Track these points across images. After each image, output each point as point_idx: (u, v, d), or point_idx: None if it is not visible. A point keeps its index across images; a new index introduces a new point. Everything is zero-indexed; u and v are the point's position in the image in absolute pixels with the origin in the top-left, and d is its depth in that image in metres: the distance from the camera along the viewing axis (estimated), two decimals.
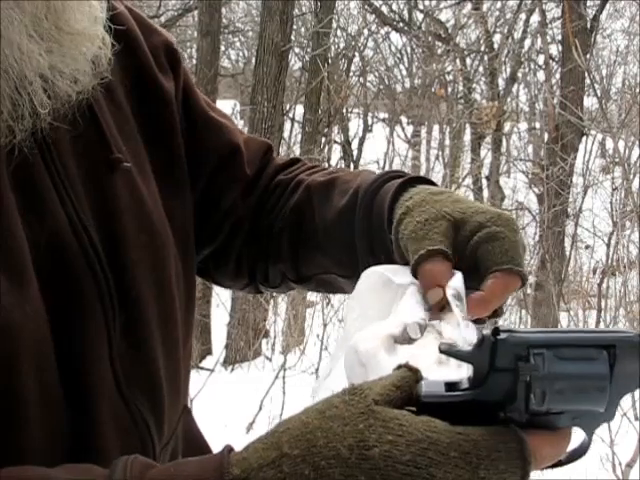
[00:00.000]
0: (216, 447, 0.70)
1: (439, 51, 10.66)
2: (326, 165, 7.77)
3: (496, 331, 0.56)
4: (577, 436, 0.60)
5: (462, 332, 0.69)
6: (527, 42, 11.05)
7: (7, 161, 0.76)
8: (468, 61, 11.15)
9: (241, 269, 1.08)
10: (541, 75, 10.80)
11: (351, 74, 10.58)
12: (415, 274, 0.79)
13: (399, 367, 0.60)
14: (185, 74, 1.02)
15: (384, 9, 10.32)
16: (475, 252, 0.80)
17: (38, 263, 0.76)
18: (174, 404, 0.91)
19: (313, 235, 1.00)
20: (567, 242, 9.12)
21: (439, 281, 0.76)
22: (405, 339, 0.69)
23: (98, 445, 0.80)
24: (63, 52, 0.78)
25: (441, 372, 0.62)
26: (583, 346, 0.55)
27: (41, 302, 0.76)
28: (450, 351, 0.57)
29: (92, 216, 0.82)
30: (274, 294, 6.05)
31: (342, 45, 10.48)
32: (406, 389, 0.59)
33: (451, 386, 0.57)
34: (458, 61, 10.81)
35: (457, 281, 0.74)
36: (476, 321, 0.74)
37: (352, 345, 0.69)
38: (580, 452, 0.61)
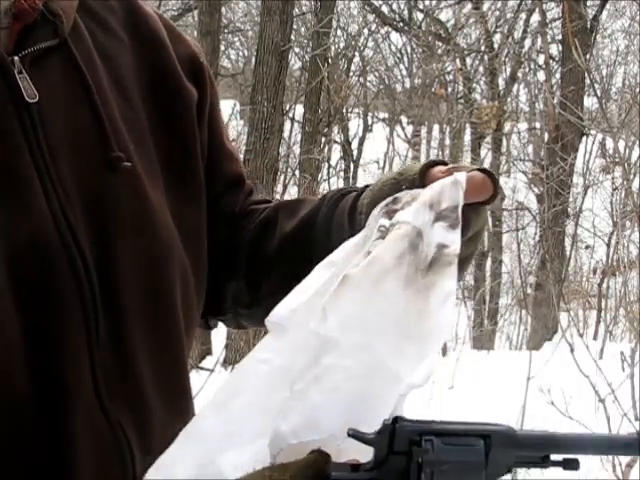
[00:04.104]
0: None
1: (439, 51, 10.66)
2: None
3: (395, 420, 0.66)
4: None
5: (437, 231, 0.74)
6: (527, 42, 11.07)
7: None
8: (468, 61, 11.16)
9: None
10: (541, 75, 10.81)
11: (351, 74, 10.58)
12: (422, 179, 0.81)
13: (312, 452, 0.66)
14: (213, 94, 0.99)
15: (384, 9, 10.33)
16: None
17: (15, 259, 0.74)
18: (170, 422, 0.84)
19: (271, 249, 0.97)
20: (567, 242, 9.13)
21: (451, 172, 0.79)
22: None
23: (71, 460, 0.77)
24: None
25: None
26: (465, 435, 0.66)
27: (11, 301, 0.73)
28: (355, 435, 0.65)
29: (84, 216, 0.79)
30: None
31: (342, 45, 10.49)
32: (317, 470, 0.65)
33: (355, 467, 0.67)
34: (458, 61, 10.81)
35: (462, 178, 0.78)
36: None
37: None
38: None
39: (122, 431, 0.81)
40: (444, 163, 0.83)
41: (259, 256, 0.98)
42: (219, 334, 7.29)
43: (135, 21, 0.92)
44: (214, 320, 1.06)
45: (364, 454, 0.67)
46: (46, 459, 0.76)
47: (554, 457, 0.69)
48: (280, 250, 0.96)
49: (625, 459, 3.43)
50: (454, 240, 0.75)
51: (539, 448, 0.68)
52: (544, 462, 0.69)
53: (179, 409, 0.88)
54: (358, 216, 0.87)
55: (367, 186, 0.90)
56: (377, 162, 11.74)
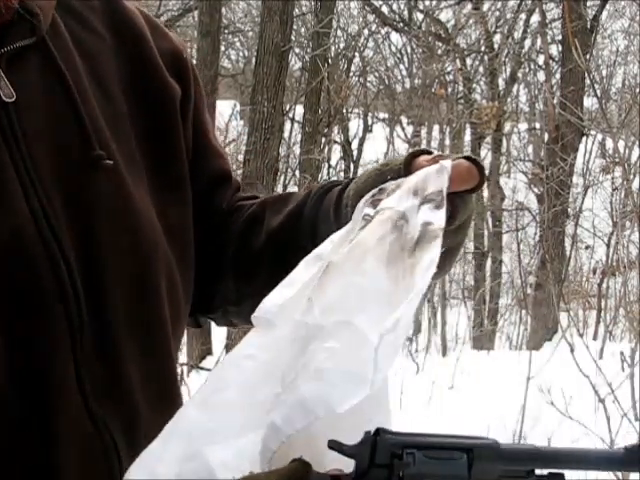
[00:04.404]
0: None
1: (439, 51, 10.66)
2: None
3: (377, 432, 0.66)
4: None
5: (423, 213, 0.74)
6: (527, 42, 11.06)
7: None
8: (468, 61, 11.16)
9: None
10: (541, 75, 10.81)
11: (351, 74, 10.58)
12: (408, 168, 0.81)
13: (294, 460, 0.65)
14: (198, 90, 0.98)
15: (384, 9, 10.33)
16: None
17: None
18: (157, 422, 0.81)
19: (258, 245, 0.97)
20: (567, 242, 9.13)
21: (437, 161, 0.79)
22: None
23: (57, 461, 0.76)
24: None
25: None
26: (447, 449, 0.66)
27: None
28: (336, 447, 0.65)
29: (66, 216, 0.78)
30: None
31: (342, 45, 10.48)
32: (298, 479, 0.64)
33: (336, 478, 0.66)
34: (458, 61, 10.81)
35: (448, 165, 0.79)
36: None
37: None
38: None
39: (108, 432, 0.80)
40: (429, 152, 0.82)
41: (246, 253, 0.98)
42: (219, 334, 7.29)
43: (117, 19, 0.91)
44: (203, 318, 1.06)
45: (348, 463, 0.66)
46: (31, 460, 0.76)
47: (539, 471, 0.69)
48: (267, 246, 0.96)
49: None
50: (439, 218, 0.74)
51: (523, 462, 0.67)
52: (529, 476, 0.68)
53: (167, 409, 0.85)
54: (344, 209, 0.87)
55: (352, 179, 0.90)
56: (377, 162, 11.72)
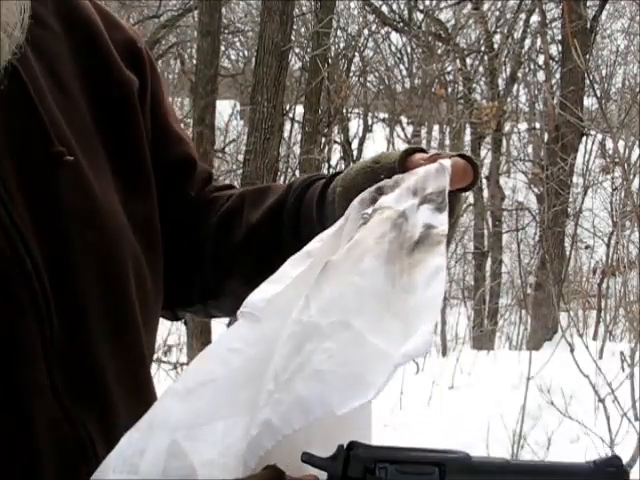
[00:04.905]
0: None
1: (439, 51, 10.66)
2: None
3: (350, 445, 0.66)
4: None
5: (423, 213, 0.75)
6: (527, 42, 11.06)
7: None
8: (468, 61, 11.15)
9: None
10: (541, 75, 10.81)
11: (351, 74, 10.57)
12: (402, 167, 0.81)
13: (266, 468, 0.66)
14: (155, 77, 0.97)
15: (384, 9, 10.32)
16: None
17: None
18: (133, 418, 0.79)
19: (237, 240, 0.96)
20: (567, 242, 9.12)
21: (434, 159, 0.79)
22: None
23: (34, 460, 0.76)
24: None
25: None
26: (420, 463, 0.67)
27: None
28: (309, 460, 0.66)
29: (29, 216, 0.77)
30: None
31: (342, 45, 10.47)
32: None
33: None
34: (458, 61, 10.81)
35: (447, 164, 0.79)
36: None
37: None
38: None
39: (85, 429, 0.80)
40: (422, 150, 0.82)
41: (225, 248, 0.97)
42: (220, 334, 7.27)
43: (67, 10, 0.90)
44: (182, 312, 1.06)
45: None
46: (8, 461, 0.75)
47: None
48: (247, 241, 0.96)
49: (625, 458, 3.43)
50: (442, 222, 0.75)
51: (494, 475, 0.68)
52: None
53: (142, 403, 0.85)
54: (329, 206, 0.86)
55: (335, 174, 0.89)
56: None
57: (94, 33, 0.90)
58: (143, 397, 0.87)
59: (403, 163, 0.81)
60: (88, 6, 0.92)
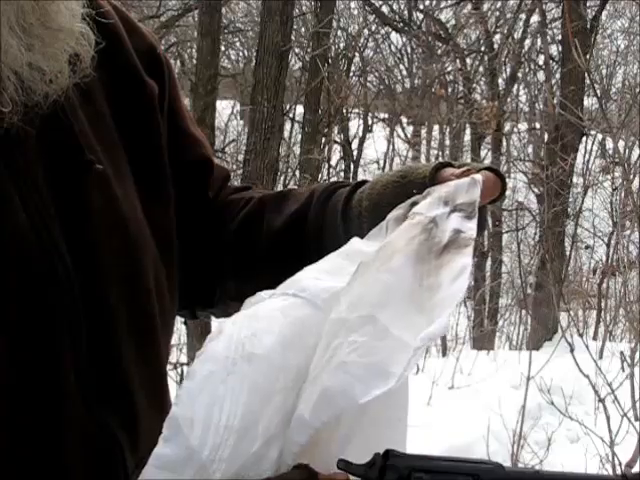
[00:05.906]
0: None
1: (439, 51, 10.66)
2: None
3: (387, 454, 0.67)
4: None
5: (453, 220, 0.77)
6: (527, 42, 11.06)
7: None
8: (468, 61, 11.16)
9: (182, 290, 0.99)
10: (541, 75, 10.81)
11: (351, 74, 10.58)
12: (432, 182, 0.82)
13: (298, 466, 0.67)
14: (173, 82, 0.98)
15: (384, 9, 10.33)
16: None
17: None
18: (155, 420, 0.81)
19: (260, 245, 0.97)
20: (567, 242, 9.13)
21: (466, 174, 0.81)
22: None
23: (62, 464, 0.77)
24: (44, 50, 0.74)
25: None
26: (455, 473, 0.67)
27: None
28: (346, 468, 0.67)
29: (60, 221, 0.79)
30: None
31: (342, 45, 10.49)
32: None
33: None
34: (458, 61, 10.81)
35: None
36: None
37: None
38: None
39: (111, 432, 0.81)
40: (451, 165, 0.84)
41: (247, 253, 0.98)
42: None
43: (95, 21, 0.89)
44: (202, 312, 1.07)
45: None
46: (36, 464, 0.76)
47: None
48: (269, 249, 0.97)
49: (625, 458, 3.43)
50: (471, 228, 0.77)
51: None
52: None
53: (162, 406, 0.88)
54: (354, 219, 0.87)
55: (360, 183, 0.90)
56: (377, 162, 11.73)
57: (117, 42, 0.91)
58: (162, 399, 0.89)
59: (433, 179, 0.82)
60: (111, 12, 0.93)
